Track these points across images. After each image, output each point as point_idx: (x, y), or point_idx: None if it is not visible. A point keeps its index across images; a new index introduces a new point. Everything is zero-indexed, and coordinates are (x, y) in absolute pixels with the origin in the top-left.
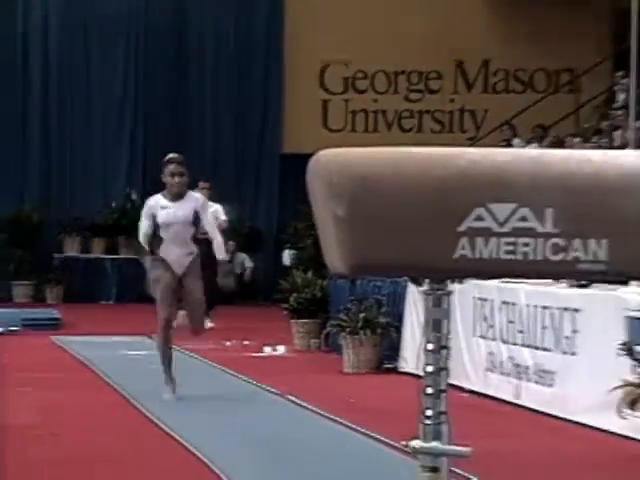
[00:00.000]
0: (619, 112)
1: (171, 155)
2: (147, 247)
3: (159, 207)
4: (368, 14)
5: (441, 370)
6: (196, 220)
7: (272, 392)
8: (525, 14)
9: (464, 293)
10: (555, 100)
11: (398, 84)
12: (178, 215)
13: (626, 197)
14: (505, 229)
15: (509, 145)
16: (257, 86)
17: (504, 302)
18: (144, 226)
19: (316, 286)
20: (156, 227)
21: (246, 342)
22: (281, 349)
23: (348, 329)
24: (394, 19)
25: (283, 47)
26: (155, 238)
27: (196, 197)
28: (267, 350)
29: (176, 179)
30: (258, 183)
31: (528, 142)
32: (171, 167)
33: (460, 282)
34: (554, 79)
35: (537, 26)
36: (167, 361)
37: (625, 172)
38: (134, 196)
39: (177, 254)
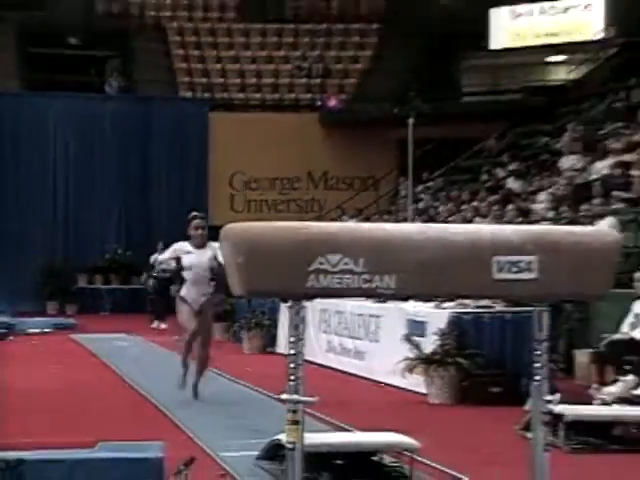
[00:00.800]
0: (401, 201)
1: (194, 213)
2: (156, 270)
3: (184, 251)
4: (259, 144)
5: (299, 353)
6: (213, 264)
7: None
8: (348, 141)
9: (314, 306)
10: (366, 194)
11: (275, 185)
12: (201, 260)
13: (407, 251)
14: (335, 269)
15: (340, 220)
16: (192, 184)
17: (337, 311)
18: (164, 258)
19: (228, 303)
20: (180, 269)
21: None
22: None
23: (246, 327)
24: (273, 147)
25: (208, 163)
26: (178, 278)
27: (214, 246)
28: None
29: (199, 231)
30: None
31: (351, 217)
32: (195, 222)
33: (310, 300)
34: (365, 182)
35: (355, 148)
36: (185, 367)
37: (405, 236)
38: (119, 250)
39: (195, 294)
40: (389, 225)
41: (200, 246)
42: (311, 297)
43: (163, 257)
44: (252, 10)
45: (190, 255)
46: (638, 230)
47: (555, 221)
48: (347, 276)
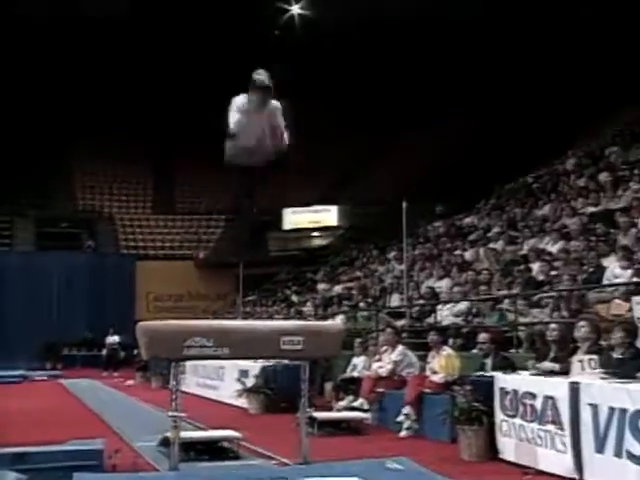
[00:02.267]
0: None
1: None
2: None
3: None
4: (163, 276)
5: (178, 388)
6: None
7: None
8: (210, 275)
9: (191, 363)
10: (218, 302)
11: (171, 298)
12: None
13: (236, 334)
14: (197, 345)
15: (206, 318)
16: (127, 298)
17: (202, 365)
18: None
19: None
20: None
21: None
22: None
23: (154, 374)
24: (170, 279)
25: (136, 287)
26: None
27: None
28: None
29: None
30: None
31: (211, 316)
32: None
33: (185, 361)
34: (219, 296)
35: (214, 279)
36: None
37: (235, 326)
38: (87, 333)
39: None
40: (226, 321)
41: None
42: (185, 360)
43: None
44: (162, 206)
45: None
46: (355, 321)
47: (315, 317)
48: (204, 349)
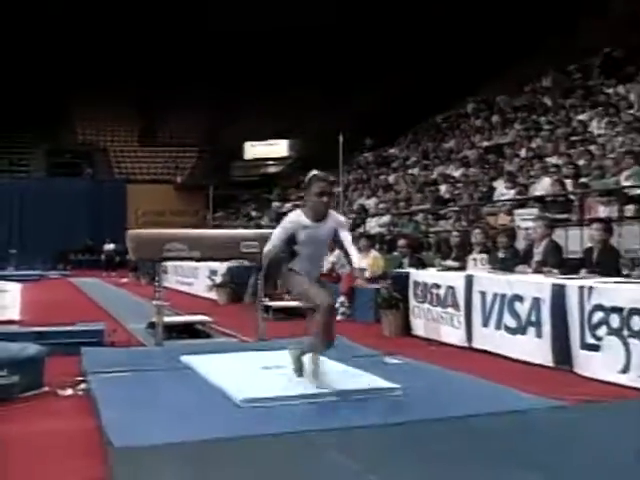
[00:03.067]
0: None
1: (316, 172)
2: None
3: (301, 226)
4: (147, 198)
5: (160, 283)
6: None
7: None
8: (187, 196)
9: (171, 264)
10: (195, 218)
11: (154, 214)
12: (319, 234)
13: (206, 239)
14: (174, 248)
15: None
16: (121, 212)
17: (179, 266)
18: (276, 243)
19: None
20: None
21: (124, 279)
22: None
23: (144, 273)
24: (153, 198)
25: (127, 204)
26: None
27: (338, 218)
28: None
29: (324, 198)
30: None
31: (187, 227)
32: (320, 184)
33: (164, 261)
34: (194, 212)
35: (190, 199)
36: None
37: (205, 233)
38: (88, 241)
39: (310, 268)
40: (199, 230)
41: (320, 218)
42: (165, 260)
43: (275, 243)
44: (147, 139)
45: (307, 230)
46: None
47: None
48: (179, 251)
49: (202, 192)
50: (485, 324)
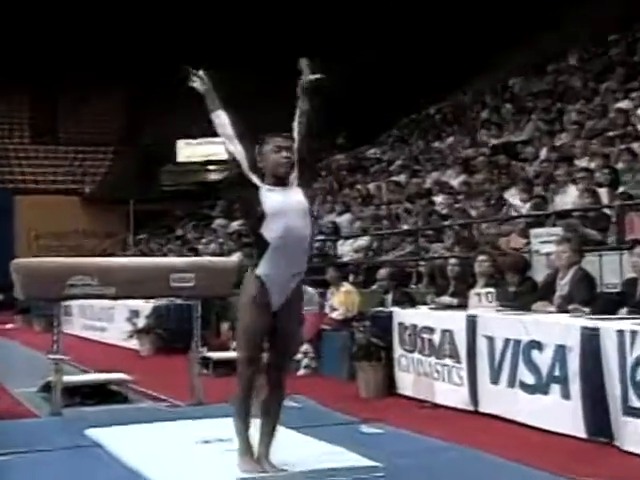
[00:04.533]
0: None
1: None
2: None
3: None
4: (43, 213)
5: (59, 330)
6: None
7: None
8: (99, 212)
9: (76, 303)
10: (109, 241)
11: (54, 236)
12: (292, 201)
13: (122, 272)
14: (80, 284)
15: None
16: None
17: (89, 305)
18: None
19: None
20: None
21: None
22: None
23: (37, 316)
24: (53, 215)
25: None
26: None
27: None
28: None
29: (283, 154)
30: None
31: (100, 255)
32: (277, 140)
33: (66, 301)
34: (108, 234)
35: (103, 217)
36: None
37: (120, 263)
38: None
39: (285, 272)
40: (113, 258)
41: (284, 180)
42: (67, 299)
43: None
44: (42, 135)
45: (273, 196)
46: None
47: (212, 254)
48: (87, 287)
49: (119, 207)
50: (494, 380)
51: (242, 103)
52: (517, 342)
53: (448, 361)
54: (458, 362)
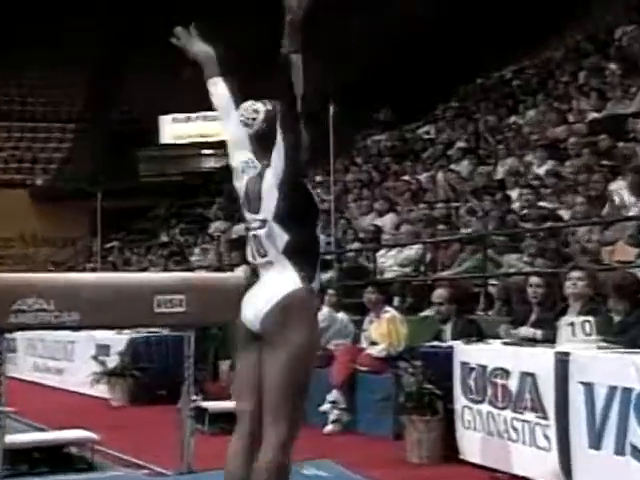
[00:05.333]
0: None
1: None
2: None
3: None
4: None
5: (2, 373)
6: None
7: None
8: (52, 210)
9: (22, 334)
10: (66, 250)
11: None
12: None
13: (87, 293)
14: (32, 309)
15: (48, 271)
16: None
17: (40, 339)
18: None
19: None
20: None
21: None
22: None
23: None
24: (4, 221)
25: None
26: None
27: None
28: None
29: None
30: None
31: (55, 269)
32: (246, 106)
33: (11, 333)
34: (66, 241)
35: (57, 216)
36: None
37: (85, 282)
38: None
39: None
40: (74, 274)
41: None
42: (12, 330)
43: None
44: None
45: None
46: None
47: (209, 269)
48: (41, 314)
49: (82, 203)
50: (595, 444)
51: (240, 68)
52: (627, 391)
53: (530, 416)
54: (544, 418)
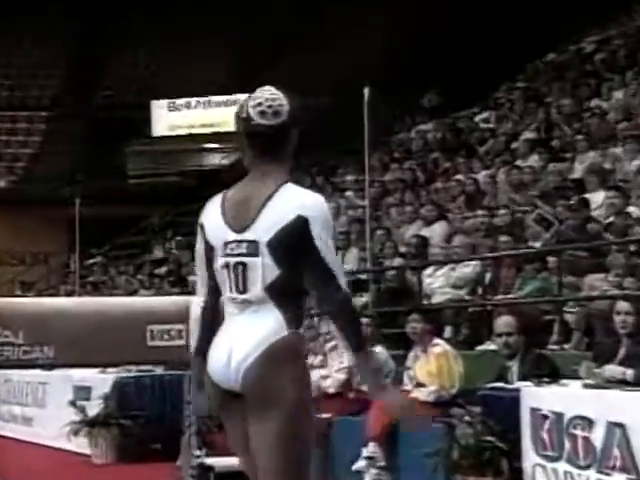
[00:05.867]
0: (72, 276)
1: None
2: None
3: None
4: None
5: None
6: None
7: None
8: (19, 220)
9: None
10: (37, 269)
11: None
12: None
13: (64, 322)
14: None
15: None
16: None
17: (5, 380)
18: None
19: None
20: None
21: None
22: None
23: None
24: None
25: None
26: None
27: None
28: None
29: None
30: None
31: (22, 292)
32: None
33: None
34: (35, 257)
35: (25, 226)
36: None
37: (62, 308)
38: None
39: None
40: (47, 299)
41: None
42: None
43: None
44: None
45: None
46: None
47: None
48: (8, 348)
49: (57, 211)
50: None
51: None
52: None
53: (620, 478)
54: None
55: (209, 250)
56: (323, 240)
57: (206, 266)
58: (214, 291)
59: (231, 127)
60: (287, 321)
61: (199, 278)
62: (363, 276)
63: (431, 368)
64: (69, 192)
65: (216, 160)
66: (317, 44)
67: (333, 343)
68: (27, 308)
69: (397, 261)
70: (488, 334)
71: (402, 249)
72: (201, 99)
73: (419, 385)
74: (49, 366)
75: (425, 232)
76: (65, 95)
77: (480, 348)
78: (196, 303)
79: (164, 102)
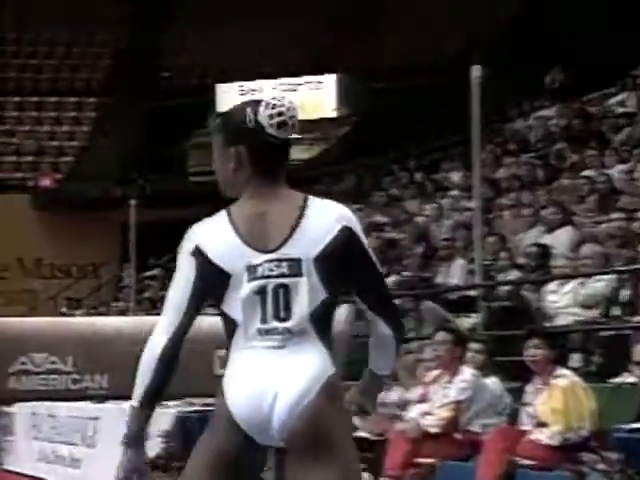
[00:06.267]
0: (126, 290)
1: None
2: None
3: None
4: None
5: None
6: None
7: None
8: (65, 225)
9: (21, 408)
10: (85, 283)
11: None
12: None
13: (120, 346)
14: (41, 369)
15: (57, 313)
16: None
17: (49, 414)
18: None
19: None
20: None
21: None
22: None
23: None
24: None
25: None
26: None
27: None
28: None
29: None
30: None
31: (68, 309)
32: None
33: (11, 405)
34: (83, 269)
35: (72, 232)
36: None
37: (117, 330)
38: None
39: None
40: (98, 318)
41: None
42: (13, 401)
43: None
44: None
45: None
46: None
47: None
48: (52, 377)
49: (109, 214)
50: None
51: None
52: None
53: None
54: None
55: (215, 276)
56: (372, 254)
57: (192, 296)
58: (186, 327)
59: (313, 115)
60: (330, 357)
61: (171, 310)
62: (471, 292)
63: (555, 404)
64: (122, 192)
65: (294, 153)
66: (413, 15)
67: (435, 373)
68: (75, 330)
69: (513, 274)
70: (625, 363)
71: (519, 260)
72: (280, 81)
73: (540, 425)
74: (101, 398)
75: (547, 240)
76: (117, 78)
77: (616, 380)
78: (156, 340)
79: (233, 85)
